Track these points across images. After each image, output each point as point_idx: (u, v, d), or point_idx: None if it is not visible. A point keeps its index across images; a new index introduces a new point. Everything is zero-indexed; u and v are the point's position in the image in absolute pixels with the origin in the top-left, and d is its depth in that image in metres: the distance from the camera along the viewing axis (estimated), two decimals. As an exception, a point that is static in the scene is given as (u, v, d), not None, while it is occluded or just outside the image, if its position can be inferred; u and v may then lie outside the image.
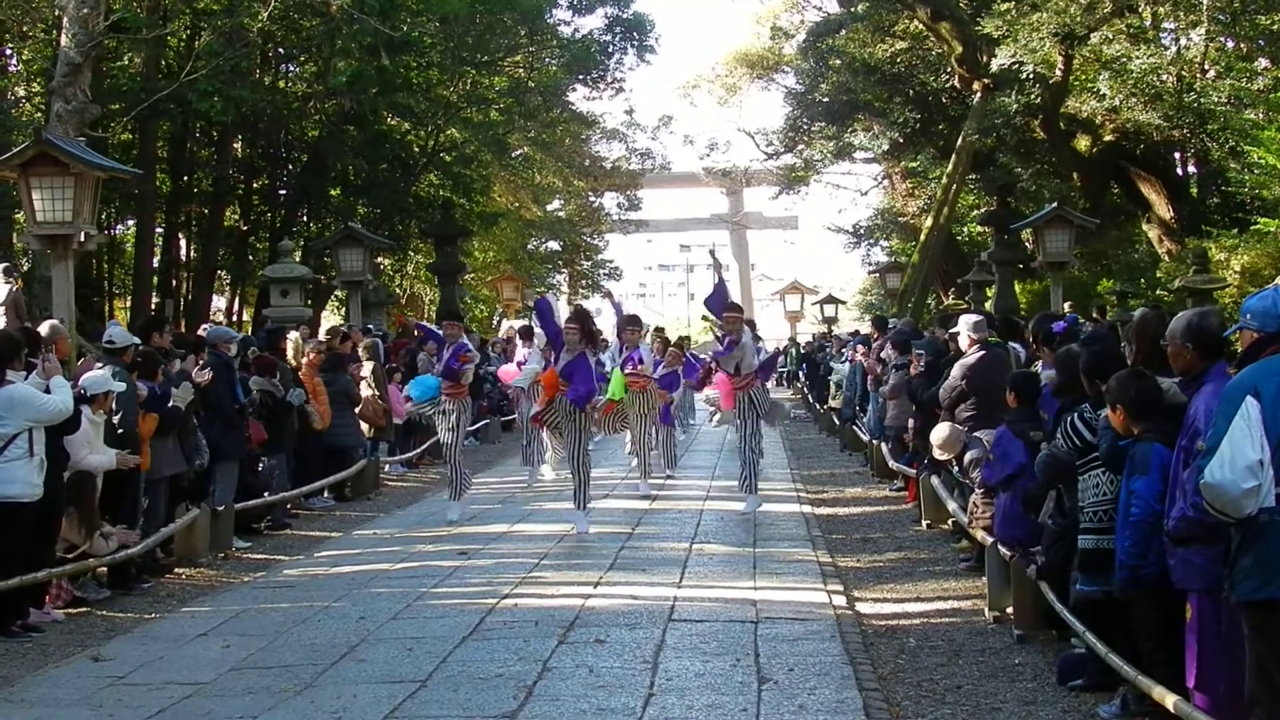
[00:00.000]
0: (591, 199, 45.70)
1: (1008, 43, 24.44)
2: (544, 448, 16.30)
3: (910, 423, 13.56)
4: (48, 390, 8.84)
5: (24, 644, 8.47)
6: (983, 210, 29.77)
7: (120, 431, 10.18)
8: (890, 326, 17.67)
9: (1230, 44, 25.80)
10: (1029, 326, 10.93)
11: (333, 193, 29.60)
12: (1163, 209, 27.80)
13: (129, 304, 27.50)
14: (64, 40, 17.70)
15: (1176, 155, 29.37)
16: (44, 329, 10.48)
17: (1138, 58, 24.65)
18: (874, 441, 16.78)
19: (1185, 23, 25.35)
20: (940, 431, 10.21)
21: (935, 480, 11.82)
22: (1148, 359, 6.53)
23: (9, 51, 26.14)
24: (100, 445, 9.72)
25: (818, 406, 26.67)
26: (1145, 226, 28.84)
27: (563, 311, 16.64)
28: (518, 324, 22.04)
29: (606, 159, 44.40)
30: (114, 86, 23.47)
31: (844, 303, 43.82)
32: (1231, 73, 23.95)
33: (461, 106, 30.01)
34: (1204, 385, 5.61)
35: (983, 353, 10.93)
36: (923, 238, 30.95)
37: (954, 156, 29.46)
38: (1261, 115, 22.24)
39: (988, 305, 23.97)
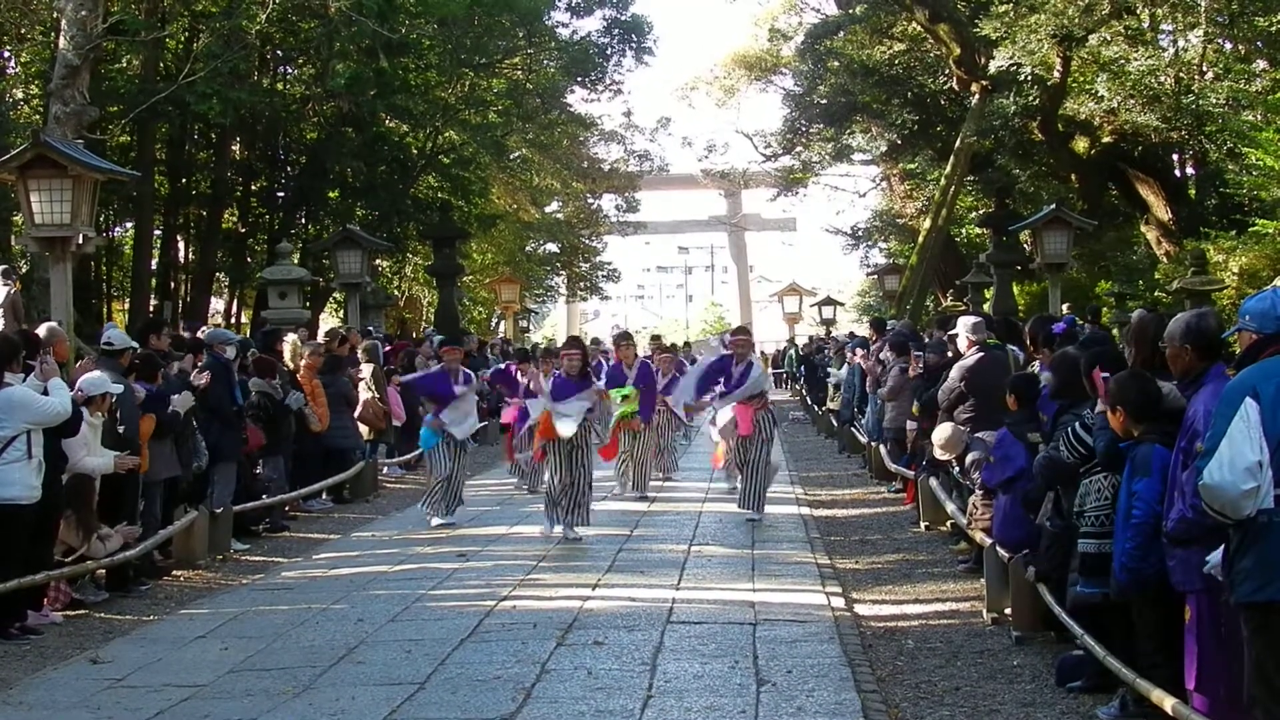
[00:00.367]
0: (590, 201, 45.70)
1: (1006, 44, 24.45)
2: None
3: (909, 424, 13.55)
4: (46, 392, 8.84)
5: (22, 646, 8.46)
6: (981, 212, 29.81)
7: (122, 432, 10.17)
8: (889, 328, 17.68)
9: (1228, 46, 25.82)
10: (1027, 328, 10.93)
11: (331, 195, 29.60)
12: (1161, 210, 27.81)
13: (127, 306, 27.49)
14: (62, 42, 17.71)
15: (1175, 157, 29.37)
16: (42, 331, 10.47)
17: (1136, 59, 24.67)
18: (872, 443, 16.78)
19: (1183, 24, 25.38)
20: (943, 431, 10.21)
21: (934, 482, 11.83)
22: (1147, 361, 6.53)
23: (7, 54, 26.15)
24: (98, 448, 9.71)
25: (816, 409, 26.68)
26: (1143, 228, 28.85)
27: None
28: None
29: (605, 161, 44.41)
30: (112, 89, 23.47)
31: (842, 304, 43.84)
32: (1230, 74, 23.97)
33: (460, 108, 30.01)
34: (1203, 387, 5.61)
35: (981, 354, 10.93)
36: (921, 239, 30.96)
37: (952, 158, 29.48)
38: (1260, 117, 22.25)
39: (986, 307, 23.96)
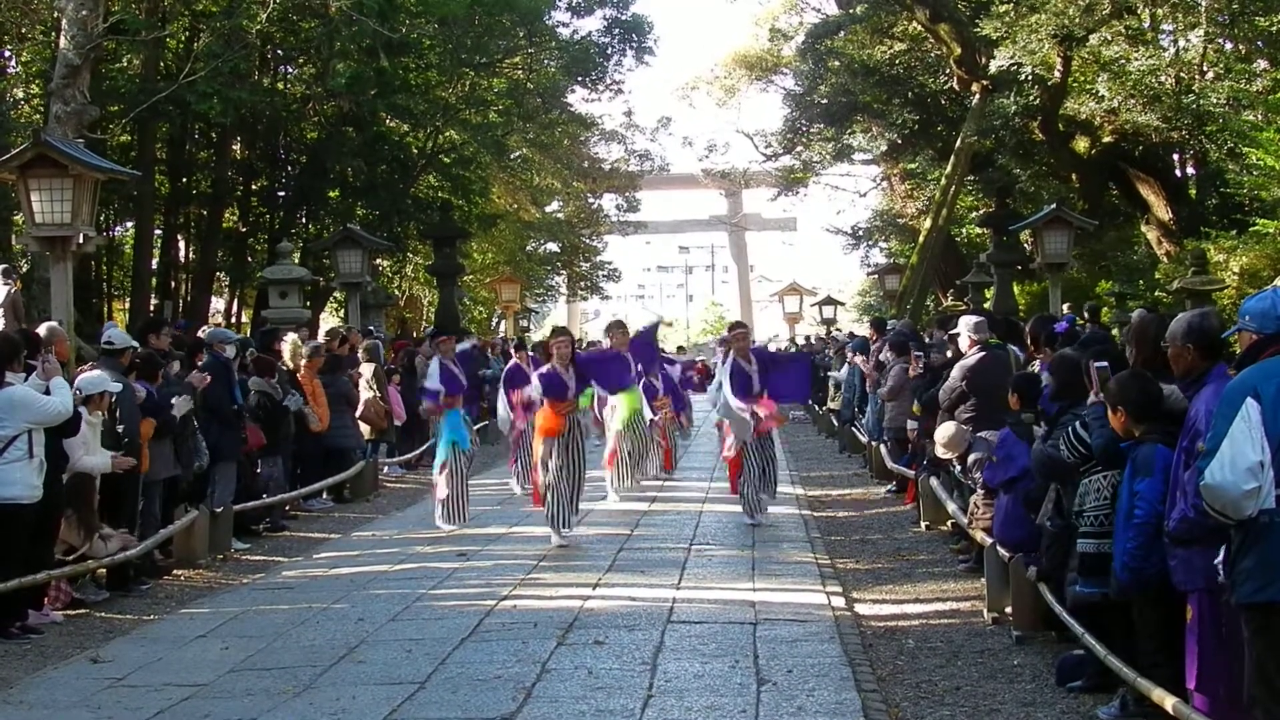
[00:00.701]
0: (590, 200, 45.69)
1: (1006, 44, 24.43)
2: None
3: (910, 424, 13.55)
4: (48, 392, 8.84)
5: (23, 645, 8.47)
6: (981, 212, 29.77)
7: (123, 433, 10.17)
8: (889, 328, 17.67)
9: (1229, 45, 25.80)
10: (1028, 328, 10.93)
11: (331, 194, 29.59)
12: (1161, 210, 27.80)
13: (128, 305, 27.48)
14: (63, 42, 17.69)
15: (1175, 157, 29.35)
16: (42, 330, 10.46)
17: (1136, 59, 24.65)
18: (873, 443, 16.78)
19: (1184, 24, 25.36)
20: (946, 430, 10.21)
21: (934, 481, 11.83)
22: (1147, 362, 6.52)
23: (8, 53, 26.12)
24: (96, 446, 9.71)
25: (816, 408, 26.67)
26: (1144, 228, 28.82)
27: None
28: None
29: (605, 160, 44.40)
30: (113, 88, 23.45)
31: (843, 304, 43.80)
32: (1230, 74, 23.95)
33: (460, 108, 29.99)
34: (1205, 386, 5.61)
35: (983, 354, 10.93)
36: (921, 239, 30.94)
37: (953, 158, 29.46)
38: (1260, 117, 22.24)
39: (986, 306, 23.96)
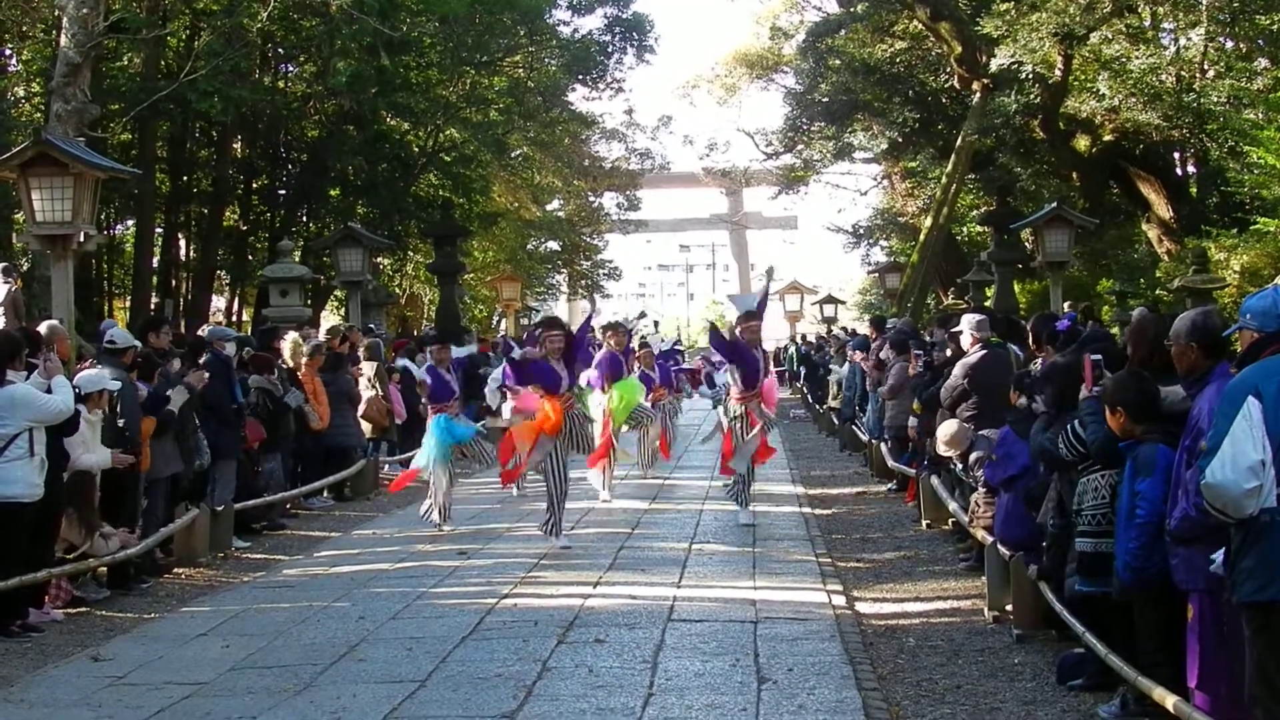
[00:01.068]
0: (591, 199, 45.71)
1: (1007, 43, 24.44)
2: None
3: (910, 422, 13.54)
4: (49, 390, 8.84)
5: (23, 644, 8.46)
6: (982, 210, 29.79)
7: (125, 433, 10.17)
8: (889, 327, 17.67)
9: (1229, 44, 25.81)
10: (1030, 326, 10.92)
11: (332, 193, 29.60)
12: (1162, 209, 27.80)
13: (128, 304, 27.51)
14: (63, 40, 17.69)
15: (1176, 155, 29.37)
16: (43, 329, 10.47)
17: (1137, 58, 24.66)
18: (873, 441, 16.78)
19: (1184, 22, 25.36)
20: (948, 428, 10.20)
21: (935, 480, 11.82)
22: (1145, 362, 6.51)
23: (9, 51, 26.15)
24: (96, 444, 9.71)
25: (817, 407, 26.67)
26: (1145, 226, 28.84)
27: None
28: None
29: (606, 159, 44.42)
30: (113, 86, 23.47)
31: (843, 303, 43.82)
32: (1231, 72, 23.95)
33: (461, 106, 30.00)
34: (1208, 385, 5.61)
35: (985, 352, 10.92)
36: (922, 237, 30.95)
37: (953, 156, 29.46)
38: (1261, 115, 22.23)
39: (987, 305, 23.96)
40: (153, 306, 25.39)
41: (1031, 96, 27.07)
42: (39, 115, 21.99)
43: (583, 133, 40.92)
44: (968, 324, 11.26)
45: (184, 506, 11.47)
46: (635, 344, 17.13)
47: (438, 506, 12.79)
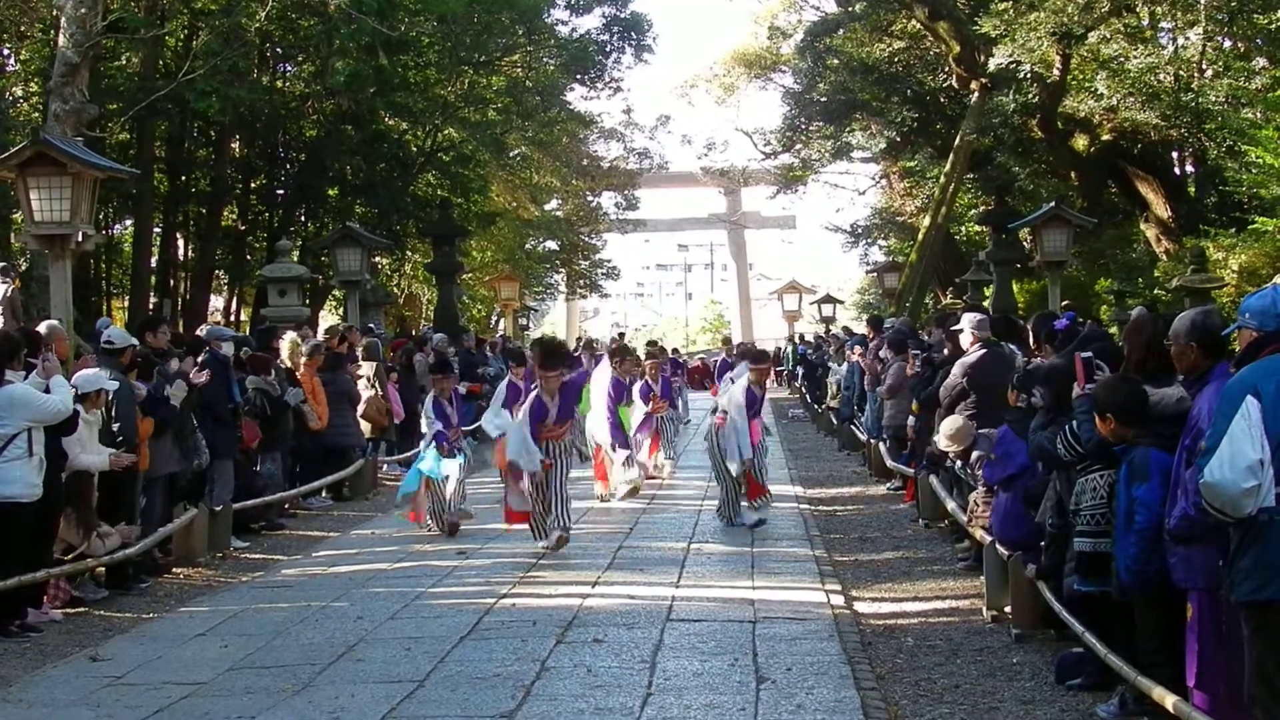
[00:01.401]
0: (589, 198, 45.71)
1: (1005, 42, 24.45)
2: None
3: (909, 421, 13.55)
4: (47, 390, 8.84)
5: (22, 644, 8.46)
6: (980, 209, 29.79)
7: (119, 432, 10.16)
8: (887, 326, 17.68)
9: (1228, 43, 25.82)
10: (1030, 325, 10.91)
11: (330, 192, 29.58)
12: (1160, 208, 27.82)
13: (127, 304, 27.50)
14: (61, 40, 17.68)
15: (1174, 154, 29.38)
16: (42, 329, 10.46)
17: (1135, 57, 24.67)
18: (872, 441, 16.78)
19: (1183, 22, 25.37)
20: (952, 423, 10.19)
21: (934, 479, 11.82)
22: (1141, 363, 6.51)
23: (7, 51, 26.14)
24: (94, 444, 9.71)
25: (815, 406, 26.68)
26: (1143, 226, 28.84)
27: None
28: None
29: (604, 158, 44.43)
30: (112, 86, 23.44)
31: (842, 302, 43.84)
32: (1229, 72, 23.96)
33: (459, 106, 29.99)
34: (1208, 384, 5.61)
35: (984, 351, 10.93)
36: (920, 237, 30.96)
37: (952, 156, 29.48)
38: (1259, 114, 22.24)
39: (986, 305, 23.96)
40: (151, 306, 25.37)
41: (1030, 96, 27.08)
42: (37, 115, 21.98)
43: (581, 132, 40.92)
44: (967, 323, 11.27)
45: (182, 506, 11.47)
46: (642, 354, 17.39)
47: (433, 512, 12.67)
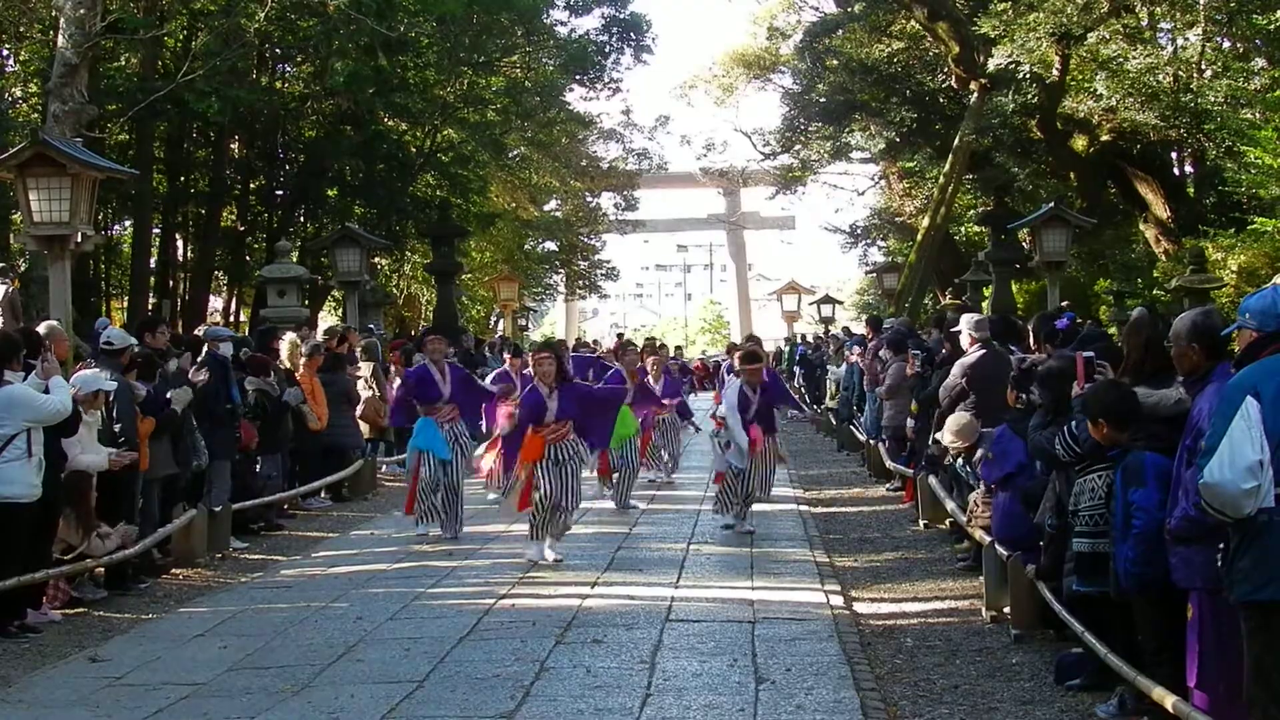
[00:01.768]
0: (588, 199, 45.72)
1: (1004, 42, 24.45)
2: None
3: (908, 422, 13.55)
4: (46, 391, 8.83)
5: (21, 644, 8.46)
6: (980, 210, 29.77)
7: (119, 432, 10.15)
8: (886, 327, 17.68)
9: (1227, 44, 25.83)
10: (1030, 325, 10.91)
11: (330, 193, 29.58)
12: (1160, 208, 27.81)
13: (126, 304, 27.48)
14: (61, 41, 17.68)
15: (1173, 155, 29.38)
16: (41, 330, 10.45)
17: (1134, 58, 24.67)
18: (871, 441, 16.78)
19: (1182, 22, 25.39)
20: (958, 419, 10.16)
21: (933, 480, 11.83)
22: (1139, 364, 6.50)
23: (6, 52, 26.12)
24: (93, 445, 9.71)
25: (815, 407, 26.67)
26: (1142, 226, 28.84)
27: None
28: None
29: (603, 159, 44.42)
30: (111, 87, 23.44)
31: (841, 303, 43.83)
32: (1228, 72, 23.96)
33: (458, 107, 29.99)
34: (1208, 385, 5.61)
35: (983, 351, 10.94)
36: (920, 237, 30.94)
37: (951, 156, 29.46)
38: (1258, 115, 22.25)
39: (985, 305, 23.96)
40: (150, 307, 25.35)
41: (1029, 96, 27.08)
42: (36, 116, 21.97)
43: (580, 133, 40.92)
44: (966, 324, 11.28)
45: (182, 507, 11.46)
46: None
47: (429, 508, 12.39)
